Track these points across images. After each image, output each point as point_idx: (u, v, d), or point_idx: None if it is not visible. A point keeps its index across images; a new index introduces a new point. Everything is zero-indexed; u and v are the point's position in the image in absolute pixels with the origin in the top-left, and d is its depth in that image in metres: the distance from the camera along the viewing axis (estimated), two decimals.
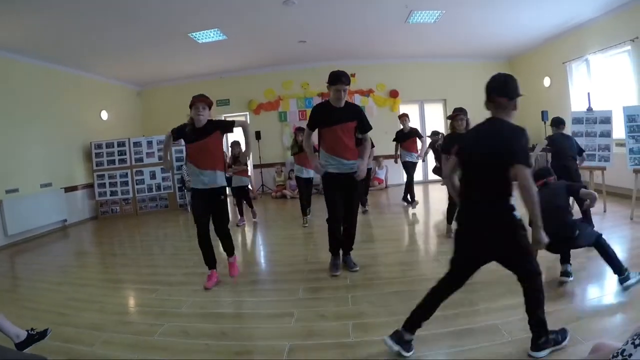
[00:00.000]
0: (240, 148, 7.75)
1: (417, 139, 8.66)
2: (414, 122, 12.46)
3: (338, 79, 4.56)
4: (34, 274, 5.77)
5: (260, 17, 7.72)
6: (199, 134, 4.39)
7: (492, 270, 4.31)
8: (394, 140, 8.83)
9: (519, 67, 12.13)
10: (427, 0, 7.52)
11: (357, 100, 12.05)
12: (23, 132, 8.24)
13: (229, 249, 4.79)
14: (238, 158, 7.39)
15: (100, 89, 11.05)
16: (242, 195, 8.16)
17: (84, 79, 10.33)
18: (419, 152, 8.68)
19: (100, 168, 10.44)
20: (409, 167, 8.63)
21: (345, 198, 4.67)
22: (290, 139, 11.79)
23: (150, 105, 12.88)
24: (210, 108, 4.47)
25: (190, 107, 4.39)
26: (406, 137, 8.56)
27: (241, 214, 8.28)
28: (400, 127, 8.69)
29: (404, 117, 8.63)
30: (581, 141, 7.21)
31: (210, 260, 4.64)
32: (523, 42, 10.56)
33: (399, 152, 8.74)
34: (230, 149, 8.03)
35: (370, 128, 4.86)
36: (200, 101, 4.36)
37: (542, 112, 9.80)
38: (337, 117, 4.59)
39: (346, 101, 4.74)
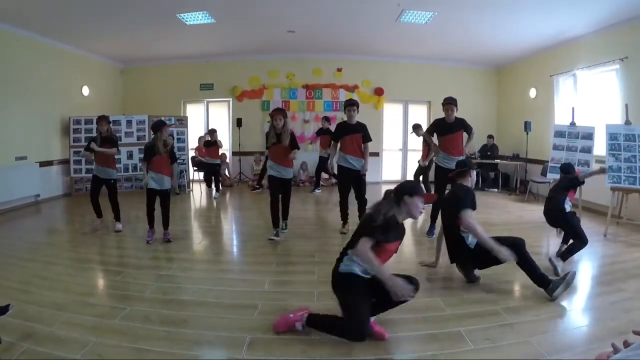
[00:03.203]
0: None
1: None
2: (396, 122, 12.65)
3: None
4: (1, 248, 5.63)
5: (251, 3, 7.64)
6: None
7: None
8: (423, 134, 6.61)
9: (506, 75, 12.29)
10: (420, 0, 7.49)
11: (342, 95, 12.07)
12: (0, 103, 8.07)
13: None
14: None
15: (83, 63, 10.84)
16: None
17: (68, 52, 10.11)
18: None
19: (78, 144, 10.18)
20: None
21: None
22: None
23: (132, 84, 12.65)
24: None
25: None
26: (449, 131, 6.19)
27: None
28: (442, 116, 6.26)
29: (450, 105, 6.03)
30: (561, 155, 7.35)
31: None
32: (512, 51, 10.65)
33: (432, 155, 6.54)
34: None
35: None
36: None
37: (526, 122, 9.91)
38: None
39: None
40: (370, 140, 6.34)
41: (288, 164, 6.07)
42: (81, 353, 2.85)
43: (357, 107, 6.29)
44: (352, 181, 6.30)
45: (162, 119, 7.06)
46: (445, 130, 6.21)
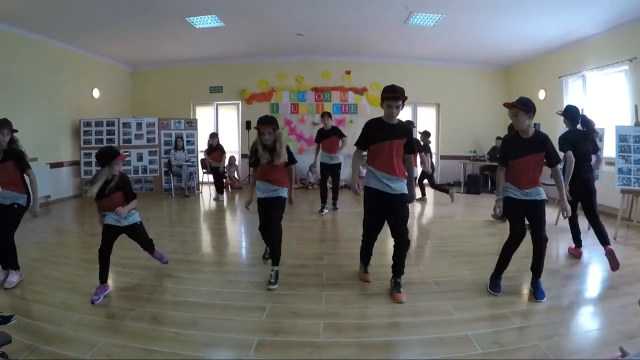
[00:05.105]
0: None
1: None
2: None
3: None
4: None
5: (259, 6, 7.68)
6: None
7: (474, 280, 4.37)
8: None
9: (514, 77, 12.20)
10: (428, 3, 7.50)
11: (351, 98, 12.07)
12: (12, 105, 8.12)
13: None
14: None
15: (94, 66, 10.97)
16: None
17: (79, 55, 10.26)
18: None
19: (88, 146, 10.32)
20: None
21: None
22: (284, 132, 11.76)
23: (142, 86, 12.78)
24: None
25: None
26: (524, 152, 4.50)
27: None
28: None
29: (516, 109, 4.29)
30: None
31: None
32: (521, 52, 10.61)
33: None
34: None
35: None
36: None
37: (535, 124, 9.81)
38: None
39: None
40: (414, 151, 4.41)
41: (282, 182, 4.68)
42: (90, 353, 2.87)
43: (403, 103, 4.13)
44: (386, 212, 3.98)
45: (113, 145, 4.29)
46: (519, 150, 4.23)
